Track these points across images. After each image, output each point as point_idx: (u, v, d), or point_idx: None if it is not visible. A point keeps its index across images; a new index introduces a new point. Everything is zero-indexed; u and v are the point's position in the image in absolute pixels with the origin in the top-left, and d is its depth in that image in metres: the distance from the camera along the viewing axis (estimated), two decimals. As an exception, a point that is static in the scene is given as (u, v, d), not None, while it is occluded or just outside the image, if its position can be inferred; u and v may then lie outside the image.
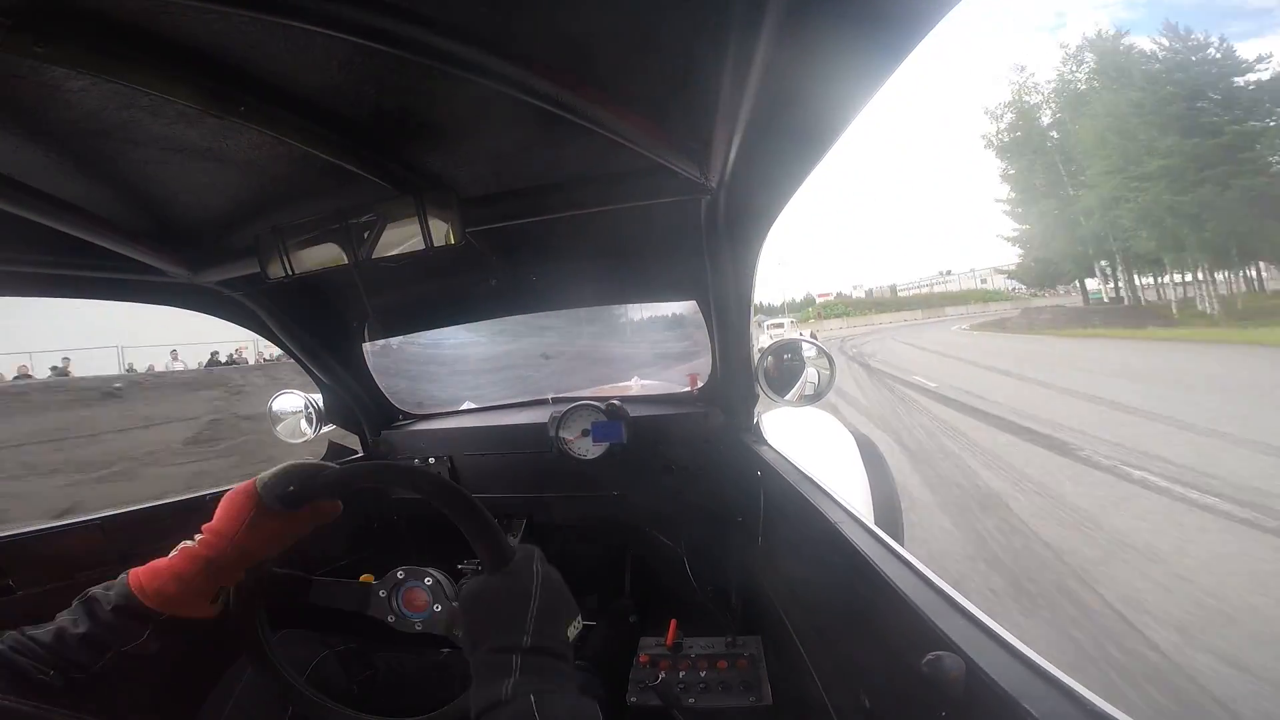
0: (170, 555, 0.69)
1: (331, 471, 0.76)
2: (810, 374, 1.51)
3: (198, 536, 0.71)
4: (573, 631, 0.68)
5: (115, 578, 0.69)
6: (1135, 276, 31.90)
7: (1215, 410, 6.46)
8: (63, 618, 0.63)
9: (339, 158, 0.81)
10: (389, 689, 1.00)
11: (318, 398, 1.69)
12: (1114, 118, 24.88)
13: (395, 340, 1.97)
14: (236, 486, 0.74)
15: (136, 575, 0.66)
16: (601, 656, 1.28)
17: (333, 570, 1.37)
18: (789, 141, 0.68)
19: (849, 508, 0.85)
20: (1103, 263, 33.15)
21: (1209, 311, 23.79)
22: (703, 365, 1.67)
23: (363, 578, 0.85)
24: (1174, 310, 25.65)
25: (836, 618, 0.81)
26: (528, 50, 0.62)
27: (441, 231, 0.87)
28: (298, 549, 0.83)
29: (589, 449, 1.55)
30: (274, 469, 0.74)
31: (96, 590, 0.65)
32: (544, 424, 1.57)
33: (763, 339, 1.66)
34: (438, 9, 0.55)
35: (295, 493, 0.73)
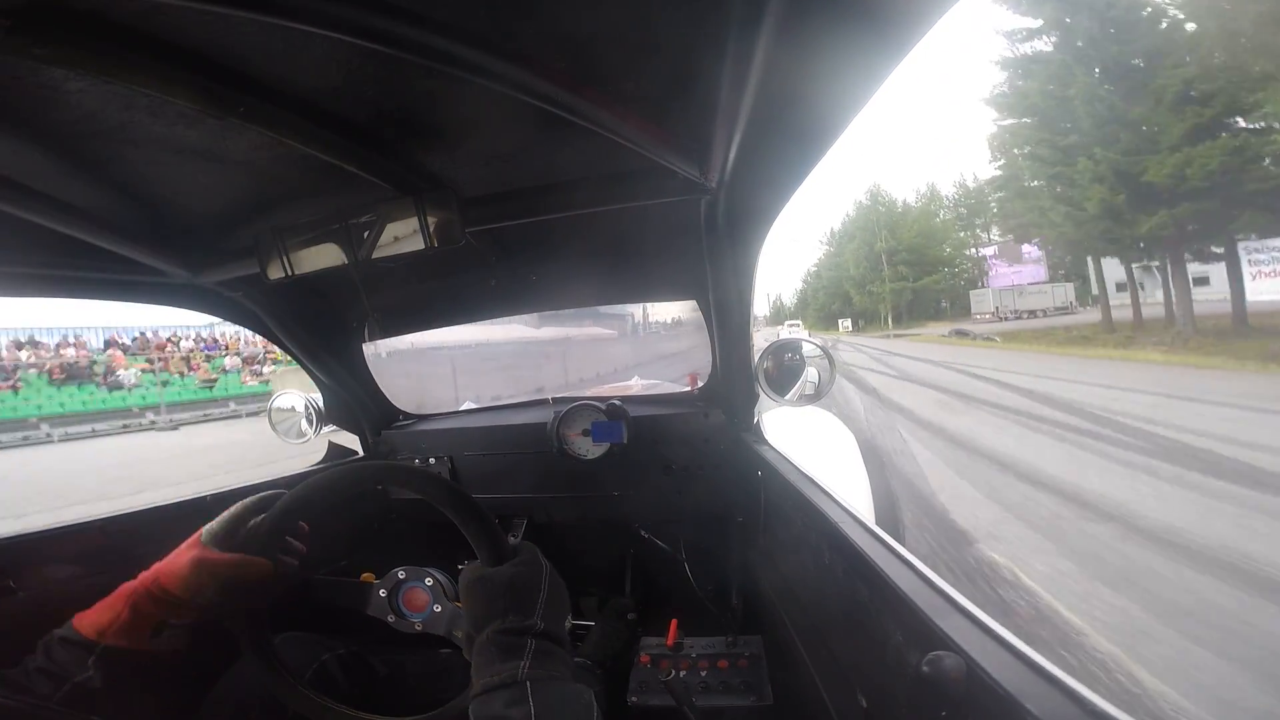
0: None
1: (253, 520, 0.77)
2: (810, 373, 1.50)
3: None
4: (567, 624, 0.71)
5: (115, 577, 0.70)
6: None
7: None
8: (27, 658, 0.67)
9: (339, 158, 0.81)
10: (389, 690, 1.00)
11: (318, 398, 1.69)
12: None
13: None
14: None
15: (80, 613, 0.70)
16: (602, 656, 1.28)
17: (333, 570, 1.37)
18: (789, 141, 0.68)
19: (849, 507, 0.84)
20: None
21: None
22: (703, 365, 1.67)
23: (364, 576, 0.85)
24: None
25: (837, 617, 0.80)
26: (528, 51, 0.62)
27: (441, 231, 0.87)
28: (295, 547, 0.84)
29: (589, 449, 1.55)
30: (223, 513, 0.78)
31: (55, 630, 0.69)
32: (544, 424, 1.57)
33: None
34: (438, 9, 0.55)
35: (224, 538, 0.76)
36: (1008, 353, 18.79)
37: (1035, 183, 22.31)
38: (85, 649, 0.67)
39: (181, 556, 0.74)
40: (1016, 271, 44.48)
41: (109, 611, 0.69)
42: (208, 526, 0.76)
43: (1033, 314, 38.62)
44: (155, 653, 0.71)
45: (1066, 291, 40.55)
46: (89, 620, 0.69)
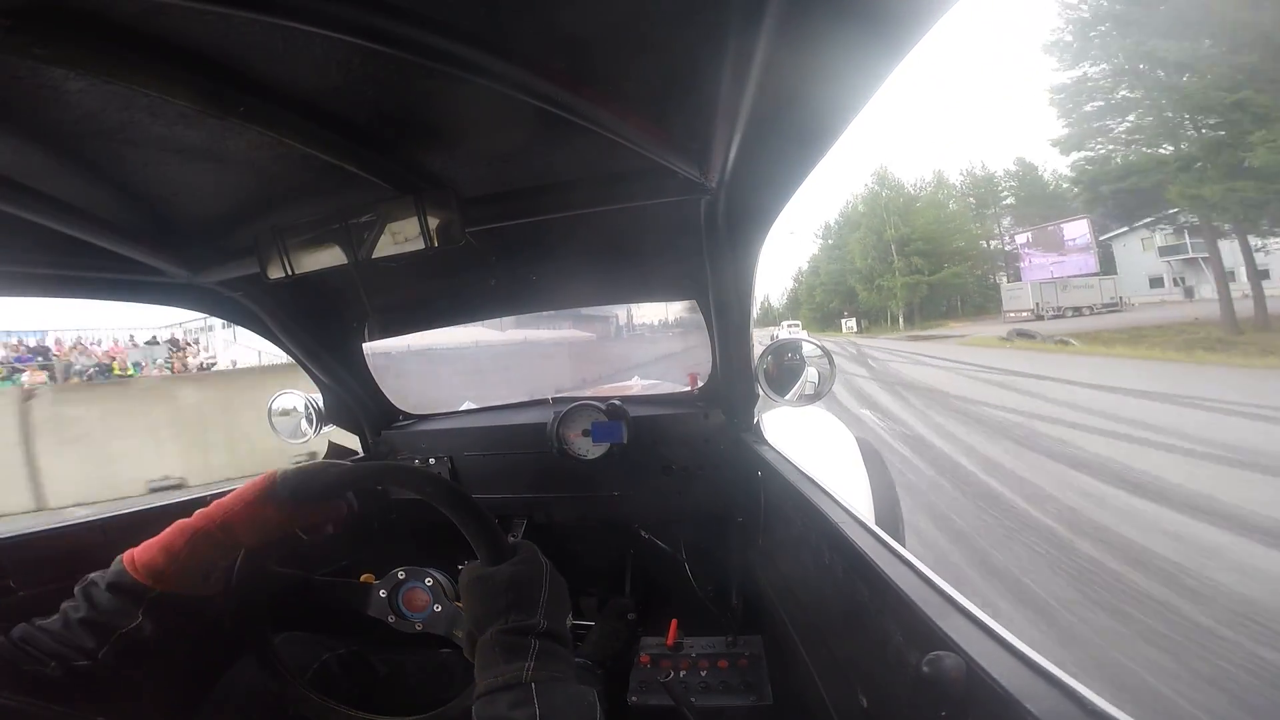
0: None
1: (331, 471, 0.76)
2: (810, 374, 1.50)
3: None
4: (568, 623, 0.70)
5: None
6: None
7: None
8: (66, 605, 0.63)
9: (339, 158, 0.81)
10: (389, 690, 1.00)
11: (318, 398, 1.69)
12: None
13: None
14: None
15: (130, 552, 0.67)
16: (602, 656, 1.28)
17: (333, 570, 1.37)
18: (789, 141, 0.68)
19: (849, 507, 0.85)
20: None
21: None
22: (703, 365, 1.67)
23: (363, 577, 0.85)
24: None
25: (837, 617, 0.81)
26: (528, 50, 0.62)
27: (441, 231, 0.87)
28: (297, 549, 0.84)
29: (589, 449, 1.55)
30: (305, 462, 0.76)
31: (95, 574, 0.66)
32: (544, 424, 1.57)
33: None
34: (438, 9, 0.55)
35: (299, 487, 0.74)
36: (1155, 364, 12.15)
37: (1132, 141, 17.29)
38: (136, 595, 0.63)
39: (263, 508, 0.71)
40: (1057, 262, 37.95)
41: (164, 554, 0.65)
42: (283, 475, 0.73)
43: (1078, 311, 32.59)
44: (198, 596, 0.68)
45: (1115, 285, 34.71)
46: (142, 562, 0.64)
